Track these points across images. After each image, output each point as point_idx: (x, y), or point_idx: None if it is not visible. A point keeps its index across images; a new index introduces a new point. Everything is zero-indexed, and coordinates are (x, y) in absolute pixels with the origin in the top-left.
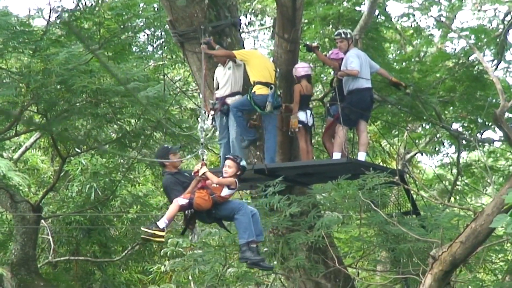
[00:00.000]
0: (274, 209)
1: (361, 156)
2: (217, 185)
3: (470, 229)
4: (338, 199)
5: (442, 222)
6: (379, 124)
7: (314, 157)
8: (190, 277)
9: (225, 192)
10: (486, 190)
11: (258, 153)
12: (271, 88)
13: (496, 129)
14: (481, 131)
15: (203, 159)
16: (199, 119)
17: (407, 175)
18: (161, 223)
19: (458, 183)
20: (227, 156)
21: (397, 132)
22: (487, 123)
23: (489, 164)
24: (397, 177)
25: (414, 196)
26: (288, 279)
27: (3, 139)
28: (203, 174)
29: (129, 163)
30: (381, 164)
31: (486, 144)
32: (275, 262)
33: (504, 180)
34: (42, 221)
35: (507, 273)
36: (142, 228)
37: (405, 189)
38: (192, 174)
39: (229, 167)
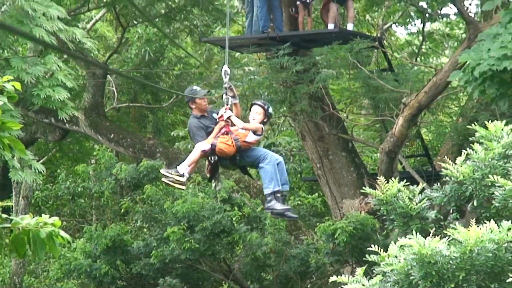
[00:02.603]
0: (284, 67)
1: (350, 26)
2: (243, 131)
3: (432, 82)
4: (332, 60)
5: (411, 77)
6: (364, 1)
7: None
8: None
9: (250, 137)
10: (444, 52)
11: (271, 24)
12: None
13: (452, 5)
14: (441, 7)
15: (227, 103)
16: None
17: (385, 41)
18: (181, 168)
19: (423, 47)
20: (255, 102)
21: (377, 8)
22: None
23: (447, 32)
24: (377, 43)
25: (390, 57)
26: (294, 120)
27: (78, 13)
28: (228, 118)
29: (174, 32)
30: (365, 32)
31: (445, 17)
32: (284, 108)
33: (458, 44)
34: (108, 76)
35: (459, 115)
36: (161, 172)
37: (383, 51)
38: (217, 119)
39: (257, 114)
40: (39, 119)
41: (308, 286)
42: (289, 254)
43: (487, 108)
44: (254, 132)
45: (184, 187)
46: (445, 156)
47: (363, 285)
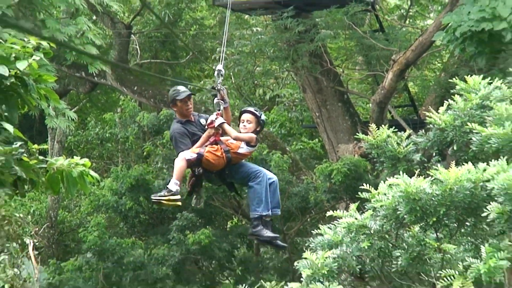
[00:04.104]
0: (287, 27)
1: None
2: (234, 141)
3: (418, 41)
4: (330, 21)
5: (400, 37)
6: None
7: None
8: (231, 74)
9: (243, 149)
10: (429, 15)
11: None
12: None
13: None
14: None
15: (219, 109)
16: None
17: (377, 5)
18: (172, 186)
19: (411, 10)
20: (245, 108)
21: None
22: None
23: None
24: (370, 7)
25: (381, 19)
26: (296, 74)
27: None
28: (219, 126)
29: None
30: None
31: None
32: (288, 64)
33: (442, 8)
34: (132, 35)
35: (442, 71)
36: (152, 197)
37: (375, 14)
38: (206, 126)
39: (248, 122)
40: (71, 73)
41: (308, 220)
42: (291, 192)
43: (467, 64)
44: (248, 143)
45: (179, 204)
46: (429, 106)
47: (356, 219)
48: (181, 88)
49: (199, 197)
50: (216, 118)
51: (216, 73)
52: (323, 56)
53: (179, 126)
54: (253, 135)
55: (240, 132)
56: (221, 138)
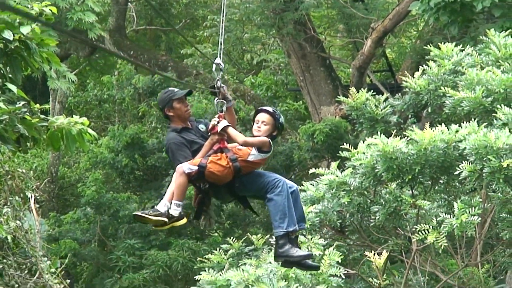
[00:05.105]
0: None
1: None
2: (243, 147)
3: (395, 11)
4: None
5: (378, 6)
6: None
7: None
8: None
9: (253, 156)
10: None
11: None
12: None
13: None
14: None
15: (221, 111)
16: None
17: None
18: (161, 206)
19: None
20: (262, 107)
21: None
22: None
23: None
24: None
25: None
26: (282, 41)
27: None
28: (223, 130)
29: None
30: None
31: None
32: (274, 31)
33: None
34: (129, 3)
35: (417, 38)
36: (135, 213)
37: None
38: (208, 131)
39: (264, 124)
40: (71, 38)
41: (292, 177)
42: (276, 150)
43: (440, 32)
44: (259, 149)
45: (165, 224)
46: (405, 72)
47: (337, 176)
48: (174, 88)
49: (208, 217)
50: (218, 122)
51: (214, 67)
52: (307, 24)
53: (175, 136)
54: (265, 139)
55: (253, 135)
56: (228, 144)
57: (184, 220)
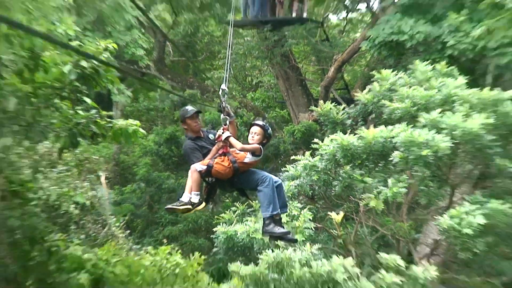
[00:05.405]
0: (266, 37)
1: (305, 15)
2: (241, 152)
3: (351, 47)
4: (294, 34)
5: (339, 44)
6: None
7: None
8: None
9: (248, 158)
10: (359, 30)
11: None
12: None
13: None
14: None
15: (225, 124)
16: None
17: (324, 23)
18: (186, 197)
19: (347, 27)
20: (255, 122)
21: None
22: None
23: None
24: (320, 24)
25: (327, 33)
26: (272, 67)
27: None
28: (226, 139)
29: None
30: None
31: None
32: (267, 61)
33: (366, 25)
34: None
35: (366, 66)
36: (166, 208)
37: (323, 30)
38: (215, 139)
39: (256, 134)
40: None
41: (279, 162)
42: (268, 144)
43: (381, 62)
44: (253, 153)
45: (194, 209)
46: (357, 89)
47: (309, 161)
48: (189, 107)
49: (214, 203)
50: (223, 132)
51: (220, 92)
52: (290, 56)
53: (190, 143)
54: (257, 146)
55: (247, 143)
56: (230, 149)
57: (203, 205)
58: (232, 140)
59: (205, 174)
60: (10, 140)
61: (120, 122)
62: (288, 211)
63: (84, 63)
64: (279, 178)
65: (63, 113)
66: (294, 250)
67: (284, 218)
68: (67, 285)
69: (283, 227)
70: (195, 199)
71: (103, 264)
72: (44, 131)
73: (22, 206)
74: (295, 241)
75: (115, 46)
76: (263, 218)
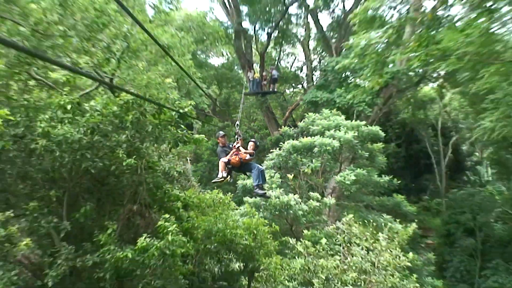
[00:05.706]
0: (259, 99)
1: (275, 88)
2: (244, 154)
3: (295, 104)
4: (273, 98)
5: (289, 101)
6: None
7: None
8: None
9: (247, 157)
10: (303, 93)
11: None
12: None
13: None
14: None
15: (237, 139)
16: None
17: (282, 93)
18: (220, 174)
19: (294, 91)
20: (251, 140)
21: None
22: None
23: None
24: (281, 94)
25: (284, 96)
26: (262, 111)
27: None
28: (237, 148)
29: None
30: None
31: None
32: (259, 109)
33: (304, 90)
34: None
35: (303, 111)
36: (213, 181)
37: (282, 93)
38: (232, 147)
39: (251, 147)
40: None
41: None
42: (261, 144)
43: (309, 109)
44: (250, 155)
45: (224, 180)
46: (298, 121)
47: (278, 152)
48: (221, 132)
49: (230, 178)
50: (237, 144)
51: (236, 124)
52: (269, 107)
53: (220, 148)
54: (253, 152)
55: (247, 150)
56: (239, 152)
57: (228, 178)
58: (241, 149)
59: (227, 163)
60: (149, 144)
61: (196, 136)
62: (267, 179)
63: (181, 111)
64: (262, 166)
65: (172, 132)
66: (271, 191)
67: (265, 186)
68: (172, 207)
69: (264, 190)
70: (224, 174)
71: (187, 198)
72: (163, 140)
73: (153, 173)
74: (269, 197)
75: (194, 103)
76: (253, 186)
